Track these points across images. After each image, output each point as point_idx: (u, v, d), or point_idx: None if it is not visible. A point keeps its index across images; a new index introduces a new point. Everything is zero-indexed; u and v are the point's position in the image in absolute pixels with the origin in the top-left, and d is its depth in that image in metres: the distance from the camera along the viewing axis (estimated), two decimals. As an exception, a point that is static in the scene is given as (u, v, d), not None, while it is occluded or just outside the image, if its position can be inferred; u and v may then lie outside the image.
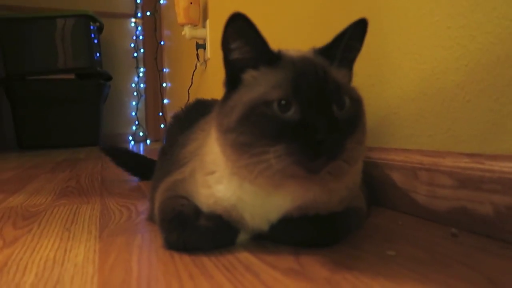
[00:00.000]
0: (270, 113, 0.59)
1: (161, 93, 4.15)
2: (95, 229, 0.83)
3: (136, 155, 1.70)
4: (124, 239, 0.75)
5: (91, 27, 4.18)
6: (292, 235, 0.67)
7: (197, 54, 2.50)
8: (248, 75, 0.64)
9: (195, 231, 0.66)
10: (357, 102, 0.65)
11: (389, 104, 0.97)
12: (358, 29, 0.66)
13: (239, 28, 0.62)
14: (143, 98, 4.81)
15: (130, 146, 4.18)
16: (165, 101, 4.07)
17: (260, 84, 0.62)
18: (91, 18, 4.13)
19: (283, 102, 0.59)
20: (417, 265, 0.58)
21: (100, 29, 4.46)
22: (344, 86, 0.64)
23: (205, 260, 0.62)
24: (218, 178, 0.68)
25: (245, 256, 0.64)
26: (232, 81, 0.66)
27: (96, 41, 4.29)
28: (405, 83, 0.92)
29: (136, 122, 4.81)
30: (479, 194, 0.72)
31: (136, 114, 4.82)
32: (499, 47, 0.71)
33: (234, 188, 0.67)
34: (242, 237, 0.70)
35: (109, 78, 4.43)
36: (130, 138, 4.68)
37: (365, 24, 0.66)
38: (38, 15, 3.96)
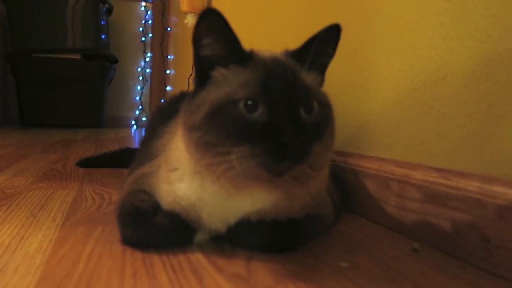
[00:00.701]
0: (236, 113, 0.58)
1: (164, 79, 4.15)
2: (60, 217, 0.83)
3: (116, 152, 1.63)
4: (85, 229, 0.75)
5: (100, 9, 4.18)
6: (249, 238, 0.67)
7: (198, 43, 2.48)
8: (218, 73, 0.63)
9: (150, 228, 0.66)
10: (326, 107, 0.64)
11: (370, 111, 0.96)
12: (331, 34, 0.65)
13: (212, 24, 0.60)
14: (148, 83, 4.81)
15: (132, 131, 4.20)
16: (168, 87, 4.06)
17: (228, 83, 0.61)
18: (100, 0, 4.12)
19: (249, 102, 0.58)
20: (367, 281, 0.57)
21: (109, 11, 4.46)
22: (313, 90, 0.63)
23: (156, 258, 0.62)
24: (180, 176, 0.68)
25: (197, 258, 0.63)
26: (201, 78, 0.65)
27: (104, 22, 4.29)
28: (386, 91, 0.90)
29: (140, 107, 4.82)
30: (443, 210, 0.70)
31: (140, 98, 4.83)
32: (475, 61, 0.68)
33: (195, 187, 0.66)
34: (199, 237, 0.69)
35: (115, 60, 4.44)
36: (133, 122, 4.69)
37: (337, 29, 0.65)
38: (49, -8, 3.96)
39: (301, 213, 0.69)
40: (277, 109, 0.57)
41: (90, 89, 4.17)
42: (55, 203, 0.94)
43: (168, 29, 4.13)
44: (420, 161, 0.80)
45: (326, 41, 0.65)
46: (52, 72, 4.02)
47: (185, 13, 2.38)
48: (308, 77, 0.64)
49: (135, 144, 2.58)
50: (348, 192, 0.97)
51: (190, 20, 2.37)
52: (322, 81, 0.69)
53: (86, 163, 1.54)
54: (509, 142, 0.62)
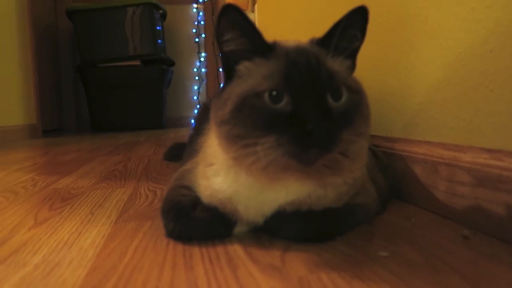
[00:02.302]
0: (261, 104, 0.59)
1: (218, 77, 4.24)
2: (115, 213, 0.89)
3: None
4: (135, 224, 0.80)
5: (155, 15, 4.37)
6: (285, 229, 0.67)
7: (246, 39, 2.50)
8: (242, 67, 0.64)
9: (190, 222, 0.68)
10: (356, 93, 0.62)
11: (415, 93, 0.91)
12: (356, 17, 0.63)
13: (232, 20, 0.61)
14: (204, 83, 4.95)
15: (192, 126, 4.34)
16: (222, 85, 4.14)
17: (252, 76, 0.62)
18: (154, 6, 4.31)
19: (274, 93, 0.59)
20: (405, 270, 0.55)
21: (163, 16, 4.64)
22: (341, 76, 0.62)
23: (196, 250, 0.64)
24: (216, 171, 0.70)
25: (235, 249, 0.65)
26: (227, 73, 0.66)
27: (159, 28, 4.48)
28: (430, 71, 0.85)
29: (198, 106, 4.98)
30: (496, 193, 0.65)
31: (198, 98, 4.99)
32: (524, 30, 0.62)
33: (231, 180, 0.67)
34: (239, 229, 0.71)
35: (172, 63, 4.63)
36: (193, 121, 4.86)
37: (363, 11, 0.63)
38: (108, 5, 4.21)
39: (338, 203, 0.68)
40: (301, 98, 0.57)
41: (151, 93, 4.39)
42: (112, 201, 1.01)
43: (219, 27, 4.21)
44: (470, 142, 0.74)
45: (352, 24, 0.63)
46: (116, 79, 4.28)
47: (231, 10, 2.42)
48: (334, 64, 0.62)
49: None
50: (397, 178, 0.93)
51: (237, 17, 2.40)
52: (352, 66, 0.67)
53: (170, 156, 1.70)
54: None
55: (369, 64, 1.11)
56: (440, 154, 0.79)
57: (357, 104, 0.62)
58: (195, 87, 5.03)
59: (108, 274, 0.56)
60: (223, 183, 0.68)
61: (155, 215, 0.86)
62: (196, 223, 0.68)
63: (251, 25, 0.61)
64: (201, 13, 4.91)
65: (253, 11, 2.45)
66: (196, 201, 0.72)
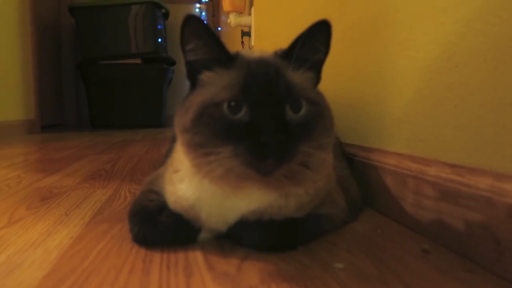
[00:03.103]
0: (220, 114, 0.60)
1: (218, 78, 4.24)
2: (89, 215, 0.90)
3: None
4: (106, 227, 0.81)
5: (157, 14, 4.39)
6: (247, 238, 0.67)
7: (242, 42, 2.52)
8: (204, 76, 0.65)
9: (154, 227, 0.69)
10: (317, 105, 0.63)
11: (390, 104, 0.91)
12: (318, 30, 0.64)
13: (193, 30, 0.63)
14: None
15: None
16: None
17: (213, 85, 0.63)
18: (157, 5, 4.33)
19: (232, 103, 0.60)
20: (354, 282, 0.56)
21: (166, 15, 4.67)
22: (301, 88, 0.62)
23: (156, 256, 0.65)
24: (181, 177, 0.71)
25: (195, 256, 0.65)
26: (191, 81, 0.68)
27: (161, 27, 4.50)
28: (404, 83, 0.86)
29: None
30: (456, 208, 0.66)
31: (197, 97, 4.99)
32: (486, 46, 0.63)
33: (194, 188, 0.68)
34: (203, 235, 0.71)
35: (173, 63, 4.65)
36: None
37: (325, 24, 0.63)
38: (111, 2, 4.24)
39: (300, 213, 0.68)
40: (258, 109, 0.58)
41: (151, 91, 4.41)
42: (90, 202, 1.02)
43: (219, 28, 4.22)
44: (436, 156, 0.75)
45: (315, 37, 0.64)
46: (116, 77, 4.31)
47: (228, 12, 2.43)
48: (295, 76, 0.63)
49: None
50: (371, 188, 0.93)
51: (233, 19, 2.41)
52: (316, 78, 0.67)
53: None
54: (520, 135, 0.57)
55: (350, 73, 1.12)
56: (408, 166, 0.80)
57: (317, 116, 0.62)
58: (196, 87, 5.04)
59: (64, 277, 0.57)
60: (187, 189, 0.69)
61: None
62: (160, 228, 0.69)
63: (212, 35, 0.62)
64: (203, 13, 4.92)
65: (250, 14, 2.46)
66: (162, 206, 0.73)
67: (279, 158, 0.56)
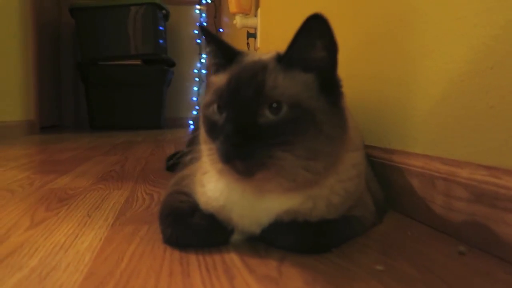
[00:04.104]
0: (210, 114, 0.65)
1: (219, 79, 4.23)
2: (112, 216, 0.89)
3: None
4: (132, 228, 0.80)
5: (158, 15, 4.37)
6: (282, 239, 0.67)
7: (248, 43, 2.51)
8: (214, 78, 0.70)
9: (188, 228, 0.69)
10: (298, 109, 0.59)
11: (415, 106, 0.91)
12: (311, 26, 0.59)
13: (204, 35, 0.69)
14: (204, 84, 4.95)
15: (190, 130, 4.34)
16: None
17: (213, 87, 0.68)
18: (157, 6, 4.31)
19: (217, 104, 0.64)
20: (399, 285, 0.55)
21: (166, 17, 4.65)
22: (283, 91, 0.60)
23: (192, 258, 0.64)
24: (209, 178, 0.71)
25: (231, 258, 0.65)
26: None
27: (161, 28, 4.48)
28: (430, 85, 0.86)
29: (197, 107, 4.98)
30: (493, 210, 0.66)
31: (197, 99, 4.98)
32: (525, 49, 0.63)
33: (221, 188, 0.69)
34: (236, 237, 0.71)
35: (172, 64, 4.63)
36: (191, 122, 4.86)
37: (317, 20, 0.58)
38: (111, 3, 4.22)
39: (332, 214, 0.68)
40: (227, 111, 0.61)
41: (150, 92, 4.39)
42: (109, 203, 1.01)
43: (221, 30, 4.22)
44: (468, 158, 0.75)
45: (310, 35, 0.60)
46: (116, 78, 4.28)
47: (234, 14, 2.42)
48: (284, 78, 0.61)
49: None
50: (394, 190, 0.93)
51: (239, 21, 2.41)
52: (321, 80, 0.62)
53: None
54: None
55: (368, 76, 1.12)
56: (437, 168, 0.80)
57: (298, 119, 0.59)
58: (195, 89, 5.03)
59: (104, 280, 0.56)
60: (215, 190, 0.69)
61: (152, 220, 0.86)
62: (194, 230, 0.68)
63: (217, 40, 0.68)
64: (203, 15, 4.91)
65: (256, 16, 2.45)
66: (194, 208, 0.72)
67: (241, 159, 0.57)
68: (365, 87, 1.12)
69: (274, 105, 0.59)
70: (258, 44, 2.40)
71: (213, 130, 0.63)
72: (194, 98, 5.00)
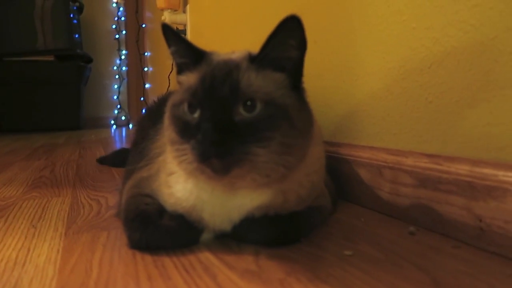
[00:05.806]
0: (180, 114, 0.64)
1: (142, 77, 4.09)
2: (62, 225, 0.83)
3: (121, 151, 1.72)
4: (89, 236, 0.76)
5: (71, 7, 4.08)
6: (254, 234, 0.68)
7: (177, 40, 2.46)
8: (183, 77, 0.69)
9: (157, 230, 0.67)
10: (273, 106, 0.61)
11: (359, 102, 0.98)
12: (287, 27, 0.61)
13: (167, 36, 0.68)
14: (125, 82, 4.74)
15: (112, 130, 4.14)
16: (147, 85, 4.01)
17: (183, 86, 0.68)
18: (69, -2, 4.02)
19: (189, 104, 0.63)
20: (370, 266, 0.60)
21: (80, 9, 4.36)
22: (257, 89, 0.61)
23: (166, 260, 0.63)
24: (176, 178, 0.70)
25: (206, 256, 0.65)
26: (178, 82, 0.71)
27: (75, 21, 4.19)
28: (374, 82, 0.93)
29: (118, 106, 4.75)
30: (436, 193, 0.74)
31: (118, 97, 4.75)
32: (459, 50, 0.72)
33: (191, 187, 0.68)
34: (206, 236, 0.71)
35: (89, 60, 4.36)
36: (112, 122, 4.62)
37: (292, 21, 0.60)
38: (15, -6, 3.83)
39: (300, 206, 0.71)
40: (203, 110, 0.61)
41: (66, 91, 4.09)
42: (53, 212, 0.94)
43: (143, 25, 4.07)
44: (410, 148, 0.83)
45: (285, 35, 0.62)
46: (25, 75, 3.92)
47: (162, 10, 2.35)
48: (257, 77, 0.63)
49: (120, 145, 2.57)
50: (342, 181, 1.00)
51: (168, 17, 2.35)
52: (290, 79, 0.65)
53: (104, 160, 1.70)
54: (496, 127, 0.66)
55: (316, 72, 1.17)
56: (384, 158, 0.87)
57: (276, 117, 0.60)
58: (115, 86, 4.79)
59: (79, 291, 0.53)
60: (184, 190, 0.69)
61: (108, 225, 0.82)
62: (164, 231, 0.67)
63: (182, 39, 0.68)
64: (121, 8, 4.68)
65: (184, 12, 2.41)
66: (161, 210, 0.71)
67: (220, 157, 0.57)
68: (313, 83, 1.18)
69: (248, 102, 0.60)
70: (189, 41, 2.37)
71: (185, 130, 0.62)
72: (115, 97, 4.76)
